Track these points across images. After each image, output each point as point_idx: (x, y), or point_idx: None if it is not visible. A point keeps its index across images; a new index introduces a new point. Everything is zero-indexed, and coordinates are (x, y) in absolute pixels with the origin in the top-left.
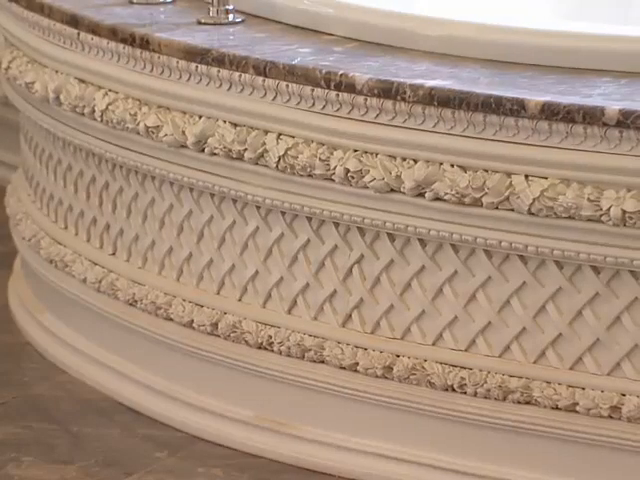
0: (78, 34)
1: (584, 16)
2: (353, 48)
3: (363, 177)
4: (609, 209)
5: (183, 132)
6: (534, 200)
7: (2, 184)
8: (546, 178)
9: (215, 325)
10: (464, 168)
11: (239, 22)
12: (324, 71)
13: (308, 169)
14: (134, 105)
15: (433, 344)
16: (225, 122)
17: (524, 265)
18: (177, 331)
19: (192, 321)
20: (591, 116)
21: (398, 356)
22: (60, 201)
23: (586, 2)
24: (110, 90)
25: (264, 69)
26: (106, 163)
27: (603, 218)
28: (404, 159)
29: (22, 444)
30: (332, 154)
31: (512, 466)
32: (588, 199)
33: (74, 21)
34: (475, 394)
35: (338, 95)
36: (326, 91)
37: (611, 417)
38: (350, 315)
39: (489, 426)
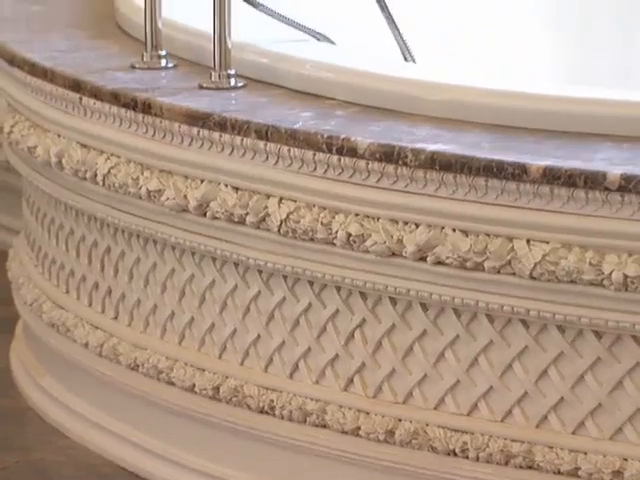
0: (80, 99)
1: (584, 80)
2: (354, 112)
3: (365, 241)
4: (611, 273)
5: (185, 196)
6: (536, 264)
7: (4, 248)
8: (548, 242)
9: (217, 389)
10: (466, 232)
11: (241, 87)
12: (326, 135)
13: (310, 233)
14: (136, 169)
15: (435, 408)
16: (227, 186)
17: (526, 329)
18: (179, 395)
19: (194, 385)
20: (593, 180)
21: (400, 420)
22: (62, 265)
23: (586, 67)
24: (112, 154)
25: (266, 133)
26: (108, 227)
27: (605, 282)
28: (406, 223)
29: None
30: (334, 218)
31: None
32: (590, 263)
33: (76, 86)
34: (477, 458)
35: (340, 159)
36: (328, 155)
37: None
38: (352, 379)
39: None
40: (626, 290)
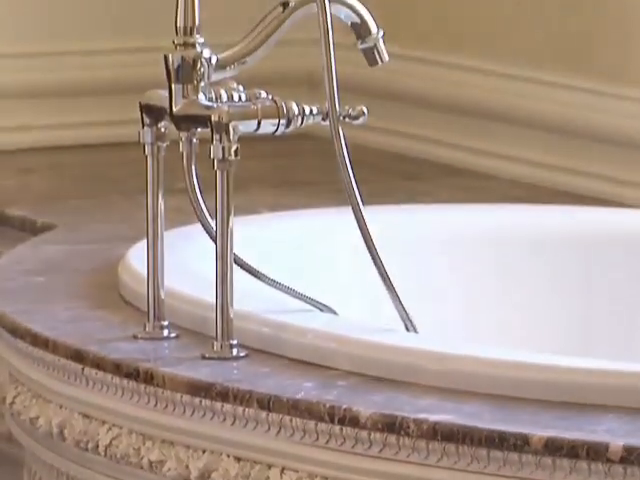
0: (82, 369)
1: (585, 350)
2: (356, 382)
3: None
4: None
5: (187, 466)
6: None
7: None
8: None
9: None
10: None
11: (243, 357)
12: (328, 405)
13: None
14: (138, 440)
15: None
16: (229, 456)
17: None
18: None
19: None
20: (595, 451)
21: None
22: None
23: (587, 337)
24: (114, 424)
25: (268, 403)
26: None
27: None
28: None
29: None
30: None
31: None
32: None
33: (79, 356)
34: None
35: (342, 429)
36: (330, 425)
37: None
38: None
39: None
40: None
